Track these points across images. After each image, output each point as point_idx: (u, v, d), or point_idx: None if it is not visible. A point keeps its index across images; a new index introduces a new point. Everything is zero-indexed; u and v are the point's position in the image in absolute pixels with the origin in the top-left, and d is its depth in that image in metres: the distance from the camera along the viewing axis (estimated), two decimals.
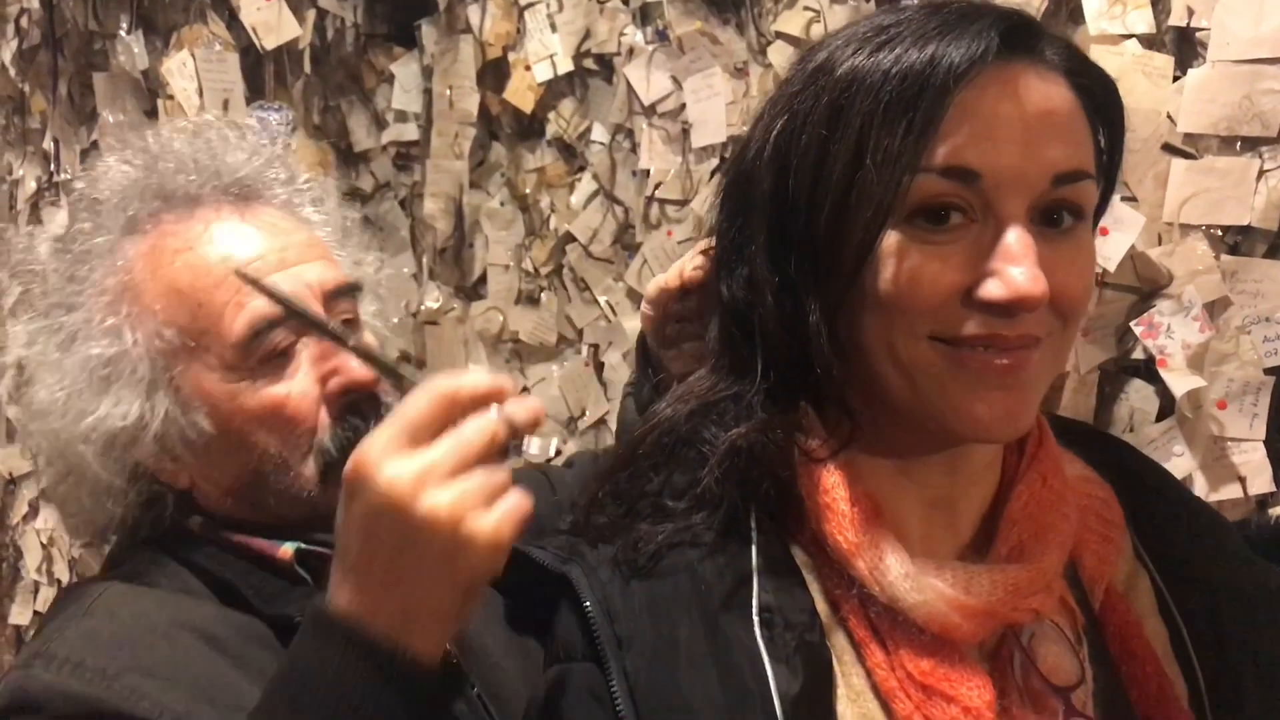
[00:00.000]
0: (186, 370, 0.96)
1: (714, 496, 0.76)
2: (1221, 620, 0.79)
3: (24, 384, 0.99)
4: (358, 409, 0.99)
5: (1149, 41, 1.35)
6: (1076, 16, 1.38)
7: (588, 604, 0.74)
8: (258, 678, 0.86)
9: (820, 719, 0.70)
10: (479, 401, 0.74)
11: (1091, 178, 0.72)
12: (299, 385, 0.98)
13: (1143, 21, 1.34)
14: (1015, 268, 0.67)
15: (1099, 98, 0.74)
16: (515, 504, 0.73)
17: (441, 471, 0.71)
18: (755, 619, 0.71)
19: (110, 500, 1.00)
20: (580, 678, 0.74)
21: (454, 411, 0.74)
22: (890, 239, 0.70)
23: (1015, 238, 0.68)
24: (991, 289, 0.68)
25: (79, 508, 1.02)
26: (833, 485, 0.74)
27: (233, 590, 0.98)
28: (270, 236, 1.00)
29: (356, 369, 0.98)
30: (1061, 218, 0.71)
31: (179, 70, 2.15)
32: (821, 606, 0.74)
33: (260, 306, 0.95)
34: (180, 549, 1.01)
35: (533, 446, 2.03)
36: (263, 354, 0.96)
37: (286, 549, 0.98)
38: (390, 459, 0.71)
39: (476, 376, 0.75)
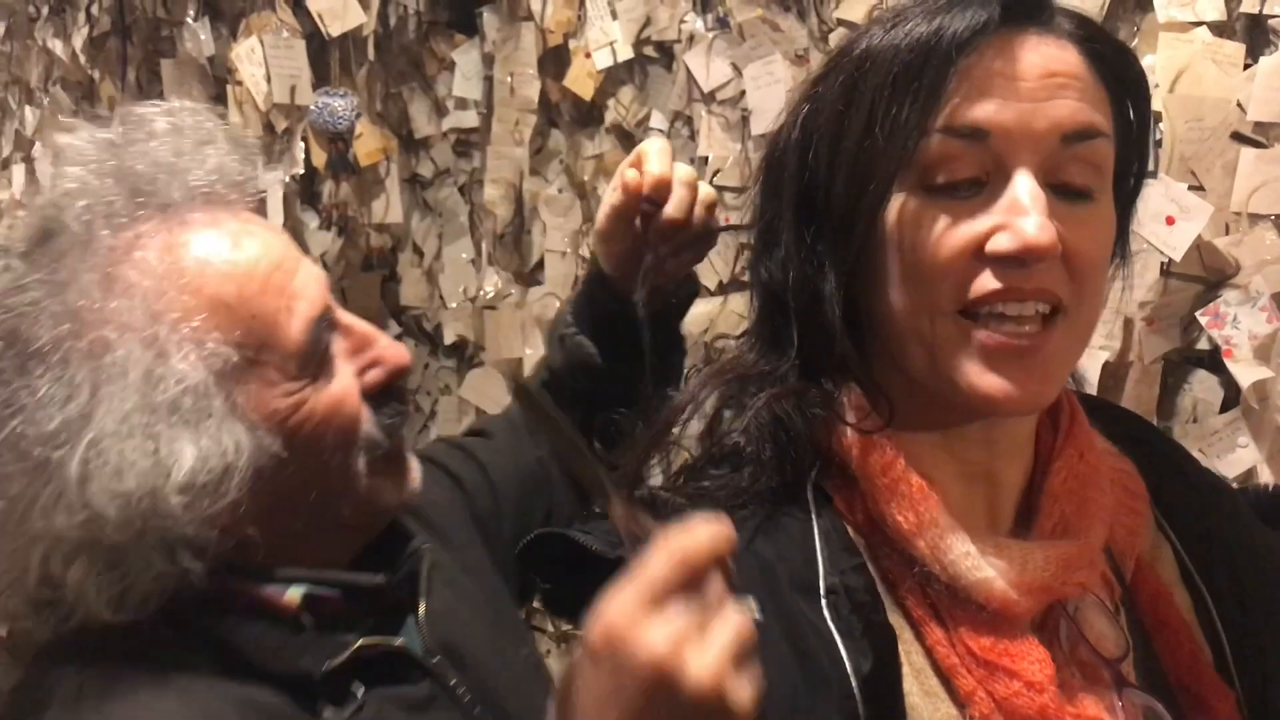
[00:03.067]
0: (248, 391, 0.88)
1: (754, 466, 0.76)
2: (1243, 580, 0.80)
3: (63, 444, 0.84)
4: (394, 394, 0.98)
5: (1219, 29, 1.34)
6: (1145, 4, 1.37)
7: None
8: None
9: (891, 697, 0.70)
10: (714, 561, 0.64)
11: (1105, 136, 0.72)
12: (344, 379, 0.94)
13: (1213, 8, 1.33)
14: (1023, 218, 0.68)
15: (1115, 66, 0.74)
16: (755, 668, 0.64)
17: (694, 637, 0.61)
18: (823, 600, 0.72)
19: (188, 557, 0.87)
20: None
21: (692, 574, 0.64)
22: (906, 206, 0.72)
23: (1023, 188, 0.69)
24: (1001, 241, 0.69)
25: (141, 575, 0.87)
26: (892, 466, 0.74)
27: (230, 650, 0.89)
28: (269, 235, 0.94)
29: (395, 358, 0.97)
30: (1073, 191, 0.71)
31: (248, 56, 2.20)
32: (879, 585, 0.74)
33: (308, 308, 0.91)
34: (165, 617, 0.88)
35: None
36: (320, 357, 0.92)
37: (293, 595, 0.91)
38: (642, 626, 0.61)
39: (707, 533, 0.64)
